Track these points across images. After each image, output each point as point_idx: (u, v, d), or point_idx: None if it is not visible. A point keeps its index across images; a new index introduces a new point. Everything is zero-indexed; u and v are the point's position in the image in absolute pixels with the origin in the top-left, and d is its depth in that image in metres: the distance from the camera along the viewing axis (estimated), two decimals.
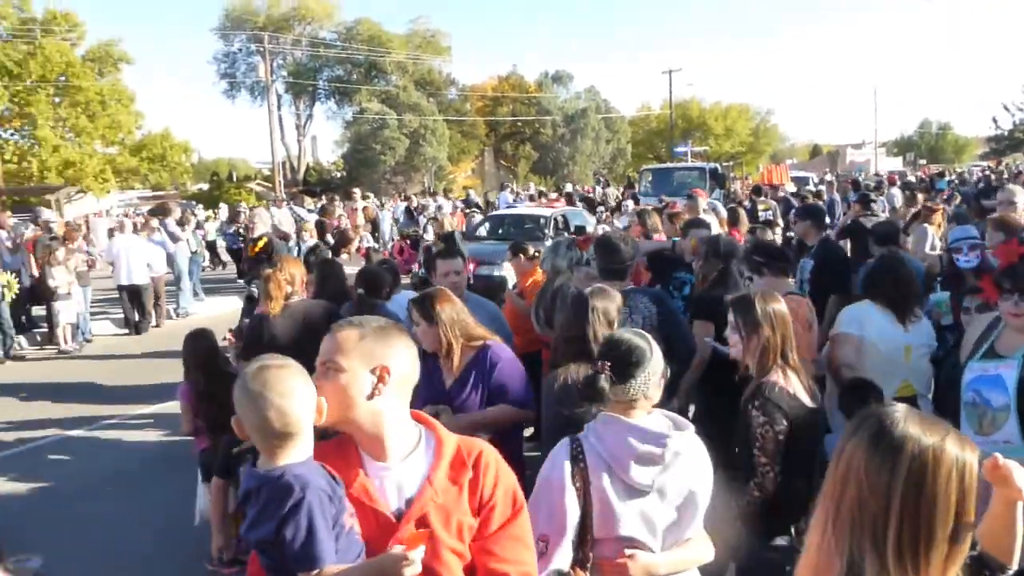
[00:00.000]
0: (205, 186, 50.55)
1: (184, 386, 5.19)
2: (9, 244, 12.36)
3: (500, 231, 14.44)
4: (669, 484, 2.29)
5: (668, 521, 2.32)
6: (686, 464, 2.31)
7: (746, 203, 14.50)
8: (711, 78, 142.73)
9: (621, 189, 29.42)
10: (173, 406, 8.02)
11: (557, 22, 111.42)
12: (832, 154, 75.72)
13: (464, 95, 55.21)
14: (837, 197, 16.95)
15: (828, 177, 29.96)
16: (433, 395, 3.44)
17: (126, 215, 25.74)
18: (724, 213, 10.19)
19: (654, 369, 2.39)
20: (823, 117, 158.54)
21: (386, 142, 42.71)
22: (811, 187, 21.80)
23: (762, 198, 15.44)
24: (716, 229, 7.15)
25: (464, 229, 16.50)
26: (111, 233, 15.90)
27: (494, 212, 19.17)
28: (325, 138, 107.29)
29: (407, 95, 45.61)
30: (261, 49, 41.64)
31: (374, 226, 18.53)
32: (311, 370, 1.85)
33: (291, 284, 4.53)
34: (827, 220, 8.97)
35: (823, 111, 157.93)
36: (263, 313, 4.44)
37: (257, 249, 10.03)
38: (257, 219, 11.73)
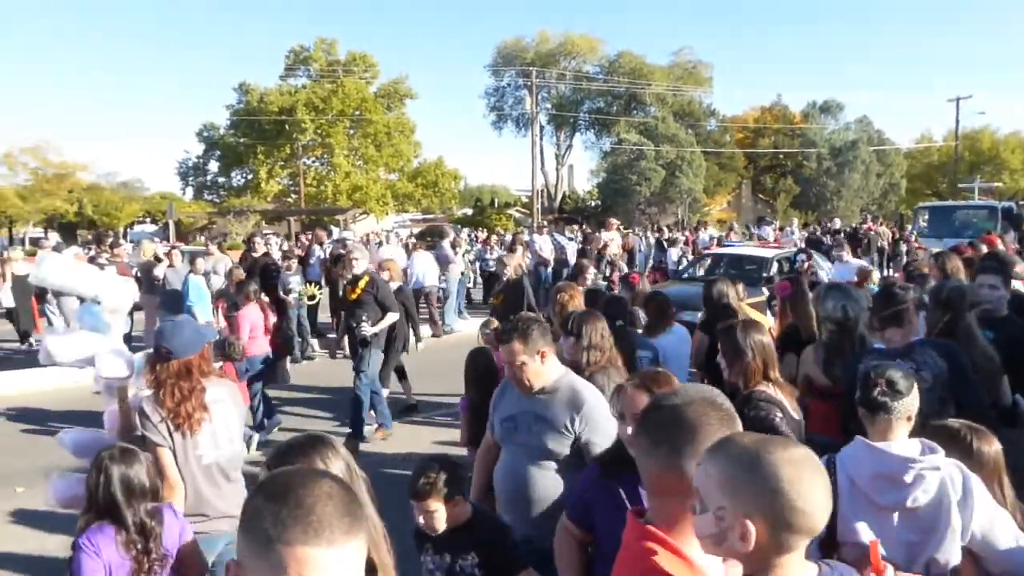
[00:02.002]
0: (469, 211, 54.11)
1: (464, 399, 5.65)
2: (321, 256, 14.20)
3: (717, 272, 13.31)
4: (911, 504, 2.41)
5: (908, 540, 2.42)
6: (931, 487, 2.39)
7: None
8: (1009, 105, 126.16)
9: (892, 227, 27.33)
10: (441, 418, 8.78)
11: (829, 50, 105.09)
12: None
13: (724, 126, 54.38)
14: None
15: None
16: None
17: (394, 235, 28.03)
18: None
19: (913, 400, 2.58)
20: None
21: (642, 173, 43.10)
22: None
23: None
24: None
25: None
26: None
27: (711, 250, 17.95)
28: (581, 167, 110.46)
29: (665, 126, 45.84)
30: (528, 83, 44.11)
31: (630, 256, 18.82)
32: None
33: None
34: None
35: None
36: None
37: (359, 292, 7.92)
38: (358, 253, 8.36)
